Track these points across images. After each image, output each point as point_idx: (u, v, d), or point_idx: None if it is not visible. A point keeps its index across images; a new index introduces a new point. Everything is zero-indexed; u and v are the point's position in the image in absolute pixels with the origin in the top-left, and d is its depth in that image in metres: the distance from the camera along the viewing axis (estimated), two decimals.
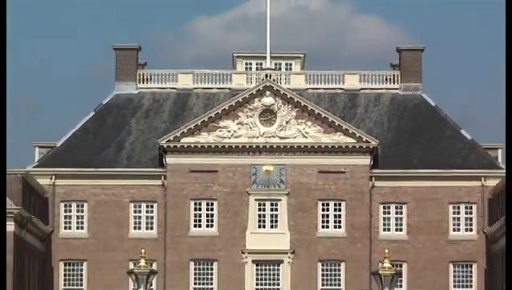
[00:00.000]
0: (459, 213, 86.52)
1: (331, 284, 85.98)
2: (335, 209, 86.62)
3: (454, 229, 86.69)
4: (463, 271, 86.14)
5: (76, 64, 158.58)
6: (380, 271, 42.53)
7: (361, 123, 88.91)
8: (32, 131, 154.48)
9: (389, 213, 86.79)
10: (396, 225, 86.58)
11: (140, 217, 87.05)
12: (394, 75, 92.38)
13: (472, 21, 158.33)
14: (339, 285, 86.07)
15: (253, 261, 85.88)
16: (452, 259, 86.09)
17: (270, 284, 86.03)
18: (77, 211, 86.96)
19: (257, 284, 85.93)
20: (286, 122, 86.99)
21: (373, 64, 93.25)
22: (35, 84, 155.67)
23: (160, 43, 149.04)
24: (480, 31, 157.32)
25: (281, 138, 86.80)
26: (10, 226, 76.46)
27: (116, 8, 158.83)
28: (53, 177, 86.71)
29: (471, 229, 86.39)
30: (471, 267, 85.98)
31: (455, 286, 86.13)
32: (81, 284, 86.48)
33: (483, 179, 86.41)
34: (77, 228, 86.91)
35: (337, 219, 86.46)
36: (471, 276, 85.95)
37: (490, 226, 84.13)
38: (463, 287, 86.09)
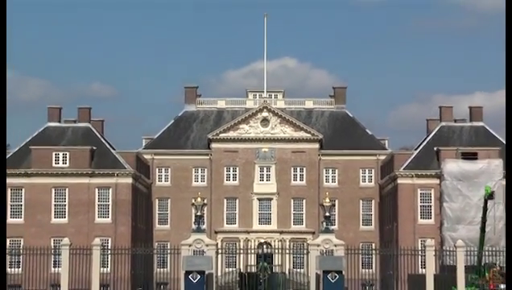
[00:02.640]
0: (364, 173, 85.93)
1: (298, 210, 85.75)
2: (300, 171, 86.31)
3: (363, 181, 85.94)
4: (367, 204, 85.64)
5: (162, 93, 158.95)
6: (324, 203, 42.71)
7: (314, 126, 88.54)
8: (141, 130, 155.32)
9: (328, 173, 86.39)
10: (332, 180, 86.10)
11: (198, 176, 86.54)
12: (331, 101, 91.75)
13: (381, 71, 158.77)
14: (301, 211, 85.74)
15: (257, 199, 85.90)
16: (361, 197, 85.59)
17: (265, 211, 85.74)
18: (165, 172, 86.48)
19: (259, 211, 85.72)
20: (275, 126, 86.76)
21: (320, 95, 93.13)
22: (141, 106, 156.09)
23: (208, 83, 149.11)
24: (384, 75, 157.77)
25: (272, 134, 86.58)
26: (129, 180, 76.41)
27: (182, 61, 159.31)
28: (152, 154, 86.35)
29: (371, 181, 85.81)
30: (371, 201, 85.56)
31: (363, 211, 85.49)
32: (167, 210, 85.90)
33: (377, 155, 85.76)
34: (165, 181, 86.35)
35: (301, 177, 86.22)
36: (371, 207, 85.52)
37: (381, 180, 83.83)
38: (367, 211, 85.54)
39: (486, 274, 53.50)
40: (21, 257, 58.20)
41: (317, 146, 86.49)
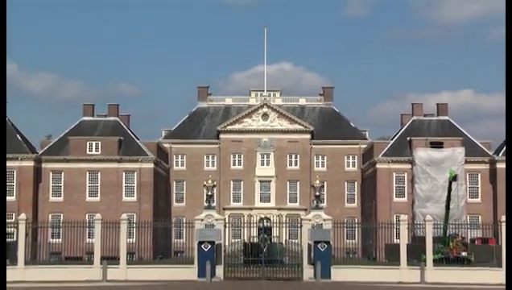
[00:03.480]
0: (349, 159, 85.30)
1: (292, 191, 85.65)
2: (294, 158, 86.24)
3: (347, 166, 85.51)
4: (351, 185, 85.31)
5: (179, 92, 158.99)
6: (314, 185, 42.62)
7: (306, 120, 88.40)
8: (161, 123, 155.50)
9: (318, 159, 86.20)
10: (322, 165, 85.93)
11: (209, 161, 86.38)
12: (320, 98, 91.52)
13: (362, 73, 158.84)
14: (296, 191, 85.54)
15: (258, 181, 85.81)
16: (346, 180, 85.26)
17: (265, 191, 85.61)
18: (181, 158, 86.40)
19: (260, 191, 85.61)
20: (273, 119, 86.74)
21: (312, 93, 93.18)
22: (161, 103, 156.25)
23: (216, 84, 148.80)
24: (365, 77, 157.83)
25: (271, 126, 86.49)
26: (151, 165, 76.11)
27: (195, 65, 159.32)
28: (170, 144, 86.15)
29: (354, 166, 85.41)
30: (354, 183, 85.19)
31: (348, 191, 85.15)
32: (183, 191, 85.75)
33: (359, 144, 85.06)
34: (181, 166, 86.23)
35: (295, 162, 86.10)
36: (354, 188, 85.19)
37: (363, 165, 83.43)
38: (351, 191, 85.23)
39: (450, 243, 53.89)
40: (61, 229, 58.52)
41: (309, 136, 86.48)
